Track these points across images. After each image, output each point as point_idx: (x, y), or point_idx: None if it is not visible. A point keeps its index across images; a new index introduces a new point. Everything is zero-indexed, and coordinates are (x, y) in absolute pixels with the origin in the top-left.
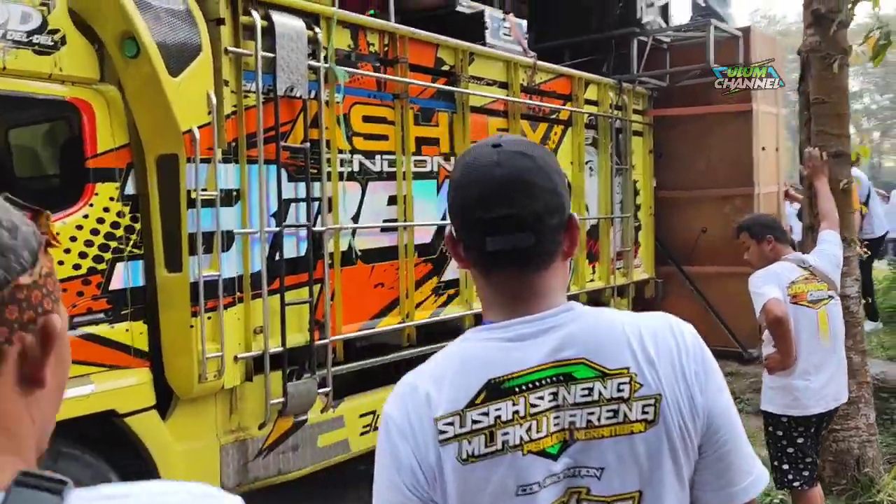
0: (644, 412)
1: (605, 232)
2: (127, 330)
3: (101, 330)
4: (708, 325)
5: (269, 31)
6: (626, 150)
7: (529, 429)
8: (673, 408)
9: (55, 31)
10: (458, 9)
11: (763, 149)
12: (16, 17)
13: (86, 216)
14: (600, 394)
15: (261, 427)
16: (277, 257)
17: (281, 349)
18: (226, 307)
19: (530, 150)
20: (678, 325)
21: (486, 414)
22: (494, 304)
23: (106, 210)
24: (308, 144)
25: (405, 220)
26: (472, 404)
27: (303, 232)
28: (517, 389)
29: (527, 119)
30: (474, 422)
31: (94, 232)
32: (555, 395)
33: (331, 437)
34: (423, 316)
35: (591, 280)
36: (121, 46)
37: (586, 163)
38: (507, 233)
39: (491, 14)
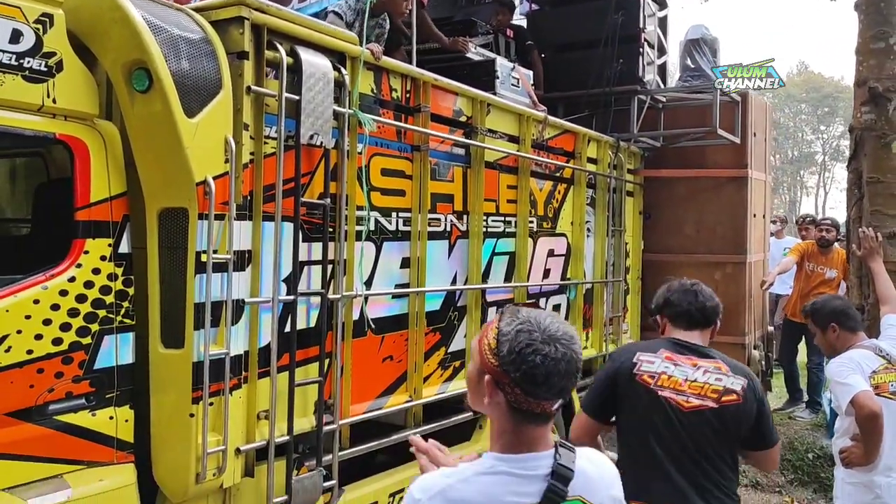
0: None
1: (599, 296)
2: (111, 417)
3: (81, 419)
4: None
5: (293, 70)
6: (620, 210)
7: None
8: None
9: (51, 55)
10: (468, 55)
11: (754, 215)
12: (4, 35)
13: (72, 279)
14: None
15: None
16: (288, 329)
17: (287, 438)
18: (231, 390)
19: None
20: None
21: None
22: None
23: (96, 272)
24: (328, 200)
25: (418, 285)
26: None
27: (315, 300)
28: None
29: (534, 176)
30: None
31: (81, 298)
32: None
33: None
34: (431, 391)
35: (585, 347)
36: (128, 78)
37: (585, 223)
38: None
39: (502, 63)
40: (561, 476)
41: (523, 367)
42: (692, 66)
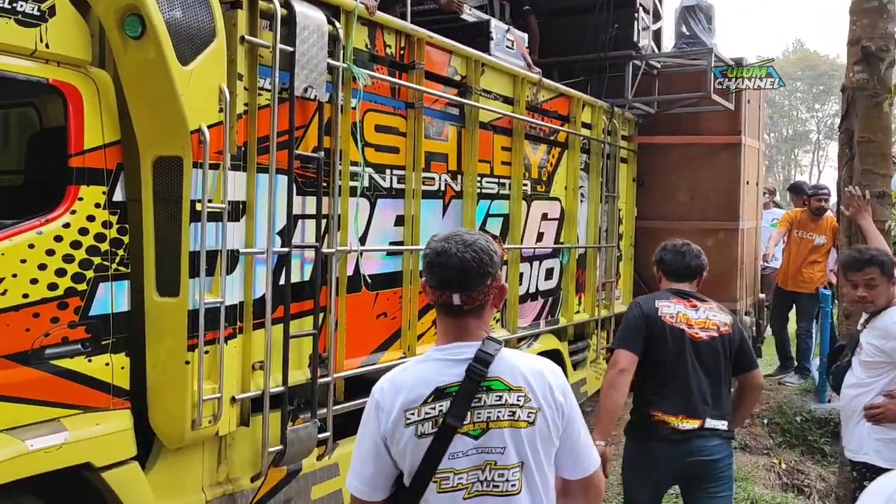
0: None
1: (591, 262)
2: (107, 364)
3: (77, 364)
4: None
5: (287, 22)
6: (614, 176)
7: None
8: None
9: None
10: (463, 16)
11: (747, 182)
12: None
13: (67, 225)
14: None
15: (254, 479)
16: (282, 281)
17: (282, 388)
18: (226, 339)
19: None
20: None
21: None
22: None
23: (90, 219)
24: (322, 154)
25: (412, 243)
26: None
27: (309, 253)
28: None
29: (528, 139)
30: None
31: (76, 245)
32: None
33: (325, 488)
34: (424, 349)
35: (578, 312)
36: (121, 24)
37: (579, 188)
38: None
39: (497, 25)
40: (481, 360)
41: (424, 261)
42: (687, 34)
